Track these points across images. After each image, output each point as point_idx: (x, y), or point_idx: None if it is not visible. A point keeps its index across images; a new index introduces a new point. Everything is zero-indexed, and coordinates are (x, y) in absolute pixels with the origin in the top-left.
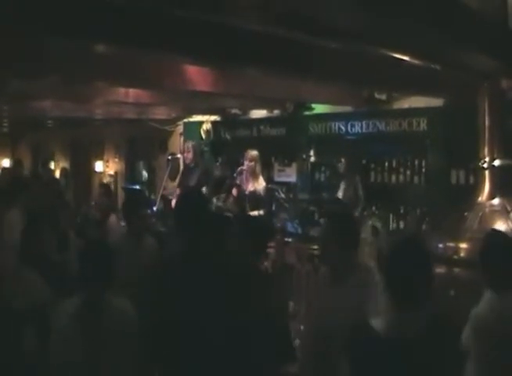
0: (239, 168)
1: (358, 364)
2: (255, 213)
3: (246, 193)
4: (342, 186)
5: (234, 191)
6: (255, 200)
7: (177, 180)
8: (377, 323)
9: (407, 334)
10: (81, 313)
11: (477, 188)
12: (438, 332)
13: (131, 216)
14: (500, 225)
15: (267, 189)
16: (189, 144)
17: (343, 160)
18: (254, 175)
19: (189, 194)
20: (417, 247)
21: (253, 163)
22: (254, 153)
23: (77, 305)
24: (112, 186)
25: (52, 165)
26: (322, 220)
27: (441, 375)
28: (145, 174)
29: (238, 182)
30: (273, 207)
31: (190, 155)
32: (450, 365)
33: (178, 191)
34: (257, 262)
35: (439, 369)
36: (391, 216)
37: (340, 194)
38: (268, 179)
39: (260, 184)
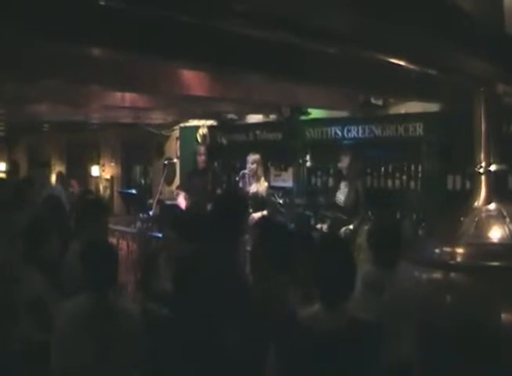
0: (242, 172)
1: (283, 353)
2: (258, 214)
3: (249, 195)
4: (344, 189)
5: None
6: (258, 201)
7: (173, 185)
8: (304, 316)
9: (329, 329)
10: (92, 315)
11: (473, 193)
12: (356, 330)
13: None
14: (496, 230)
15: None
16: (202, 147)
17: (344, 162)
18: (256, 178)
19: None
20: (342, 248)
21: (255, 165)
22: (256, 156)
23: (87, 307)
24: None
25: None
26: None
27: (358, 370)
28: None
29: (241, 184)
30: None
31: (204, 158)
32: (366, 361)
33: (182, 195)
34: None
35: (356, 364)
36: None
37: (341, 198)
38: None
39: (262, 186)
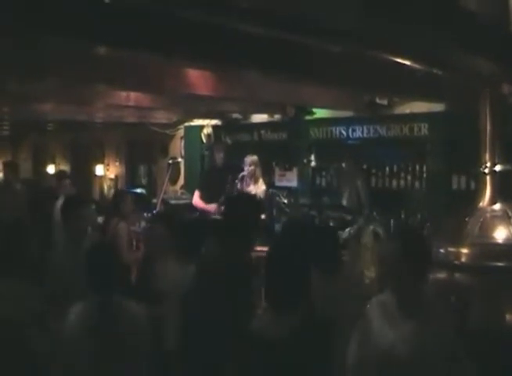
0: (241, 174)
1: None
2: None
3: None
4: (346, 191)
5: None
6: None
7: (178, 184)
8: (256, 322)
9: (279, 335)
10: (96, 318)
11: (478, 193)
12: (310, 333)
13: (68, 217)
14: (501, 231)
15: (267, 193)
16: (220, 144)
17: (344, 165)
18: (254, 179)
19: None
20: (292, 251)
21: (253, 167)
22: (254, 157)
23: (91, 310)
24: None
25: (53, 168)
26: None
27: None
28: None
29: (239, 186)
30: (274, 212)
31: (222, 155)
32: (319, 365)
33: (197, 194)
34: None
35: (308, 369)
36: (391, 221)
37: (344, 200)
38: (269, 184)
39: (260, 188)
